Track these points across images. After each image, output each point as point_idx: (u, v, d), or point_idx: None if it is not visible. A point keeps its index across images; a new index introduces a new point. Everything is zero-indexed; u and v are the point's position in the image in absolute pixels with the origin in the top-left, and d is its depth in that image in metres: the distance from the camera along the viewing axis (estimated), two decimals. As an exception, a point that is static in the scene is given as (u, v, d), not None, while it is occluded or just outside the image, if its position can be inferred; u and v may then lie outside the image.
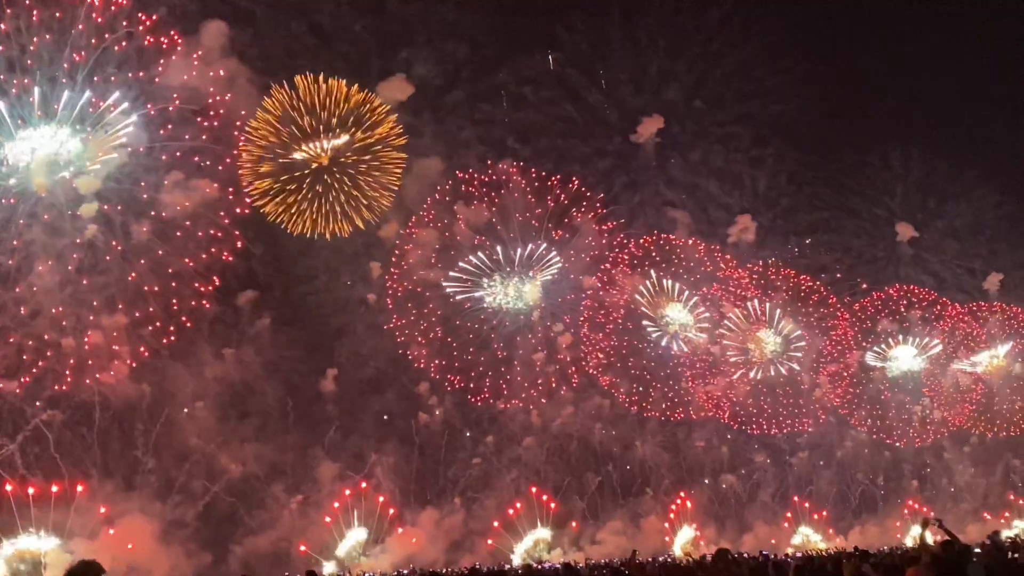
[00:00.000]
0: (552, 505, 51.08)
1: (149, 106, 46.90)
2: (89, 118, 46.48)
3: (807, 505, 55.59)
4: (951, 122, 63.21)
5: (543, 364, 54.31)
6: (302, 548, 45.24)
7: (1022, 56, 65.12)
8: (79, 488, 41.85)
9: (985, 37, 66.68)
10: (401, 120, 53.98)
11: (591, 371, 55.37)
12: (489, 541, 49.32)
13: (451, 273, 53.79)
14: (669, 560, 42.02)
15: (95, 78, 46.51)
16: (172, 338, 47.49)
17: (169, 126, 48.32)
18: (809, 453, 56.97)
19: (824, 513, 55.86)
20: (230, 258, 48.16)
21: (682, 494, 53.95)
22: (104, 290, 46.77)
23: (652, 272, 56.62)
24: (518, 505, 50.32)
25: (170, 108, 47.88)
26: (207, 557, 43.14)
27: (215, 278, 47.92)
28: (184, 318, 48.32)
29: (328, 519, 47.02)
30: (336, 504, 47.35)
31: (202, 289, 48.79)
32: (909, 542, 52.21)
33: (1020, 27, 65.68)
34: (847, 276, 60.11)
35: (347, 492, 47.69)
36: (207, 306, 48.66)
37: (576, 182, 55.71)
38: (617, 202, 57.70)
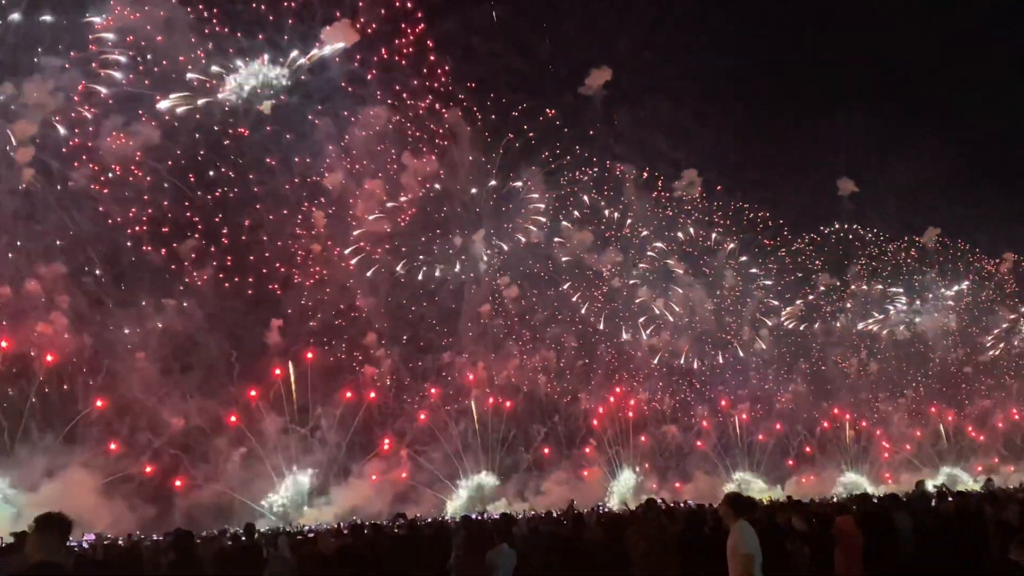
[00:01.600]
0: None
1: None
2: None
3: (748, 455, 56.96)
4: (895, 79, 64.05)
5: (490, 317, 54.62)
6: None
7: (970, 16, 65.71)
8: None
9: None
10: (346, 67, 53.55)
11: (536, 324, 55.75)
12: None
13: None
14: (606, 510, 42.64)
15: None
16: (111, 288, 47.34)
17: (106, 70, 47.40)
18: (749, 404, 58.09)
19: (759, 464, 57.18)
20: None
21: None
22: (42, 238, 45.86)
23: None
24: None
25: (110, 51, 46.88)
26: (150, 510, 42.75)
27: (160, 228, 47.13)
28: (124, 267, 47.98)
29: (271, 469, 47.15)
30: (280, 456, 47.39)
31: (143, 237, 48.24)
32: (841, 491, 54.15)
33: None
34: (788, 231, 60.57)
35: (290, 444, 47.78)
36: (149, 253, 48.20)
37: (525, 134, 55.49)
38: (565, 155, 57.44)
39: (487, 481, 51.48)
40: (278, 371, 49.06)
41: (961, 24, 65.14)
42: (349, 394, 50.16)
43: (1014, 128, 63.48)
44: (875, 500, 18.65)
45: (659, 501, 19.90)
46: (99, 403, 44.28)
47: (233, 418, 46.93)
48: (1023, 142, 63.00)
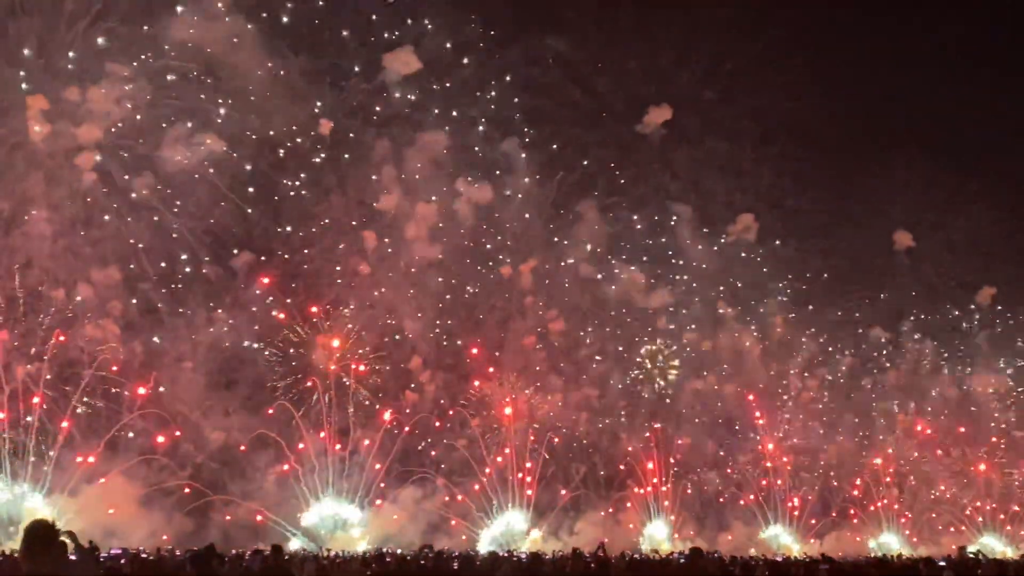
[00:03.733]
0: (530, 492, 51.21)
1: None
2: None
3: (790, 506, 55.82)
4: (955, 132, 63.07)
5: (534, 350, 54.24)
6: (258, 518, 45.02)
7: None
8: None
9: (996, 49, 66.62)
10: (406, 93, 53.94)
11: (581, 360, 55.26)
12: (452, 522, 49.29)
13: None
14: (637, 555, 42.04)
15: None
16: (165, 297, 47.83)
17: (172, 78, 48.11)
18: (794, 457, 57.07)
19: (796, 515, 56.01)
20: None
21: (663, 488, 54.02)
22: (98, 245, 46.47)
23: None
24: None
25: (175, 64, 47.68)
26: (188, 524, 42.83)
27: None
28: (179, 277, 48.48)
29: (307, 490, 47.04)
30: (316, 477, 47.33)
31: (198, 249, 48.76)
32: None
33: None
34: (842, 282, 59.53)
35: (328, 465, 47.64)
36: (203, 265, 48.70)
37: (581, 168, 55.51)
38: (620, 193, 57.17)
39: (517, 518, 50.83)
40: (320, 391, 49.08)
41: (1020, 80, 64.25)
42: (389, 417, 49.95)
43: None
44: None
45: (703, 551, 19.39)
46: (139, 407, 44.33)
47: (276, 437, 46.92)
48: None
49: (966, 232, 59.49)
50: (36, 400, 42.55)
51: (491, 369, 53.43)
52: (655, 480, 54.17)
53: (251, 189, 50.28)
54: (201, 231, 48.84)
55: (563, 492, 52.57)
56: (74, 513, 39.86)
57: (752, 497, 55.40)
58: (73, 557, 9.83)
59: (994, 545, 54.67)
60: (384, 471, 48.92)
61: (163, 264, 48.07)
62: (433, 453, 51.47)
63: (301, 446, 47.46)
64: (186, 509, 43.71)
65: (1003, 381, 60.36)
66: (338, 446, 48.41)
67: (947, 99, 62.64)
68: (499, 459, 51.38)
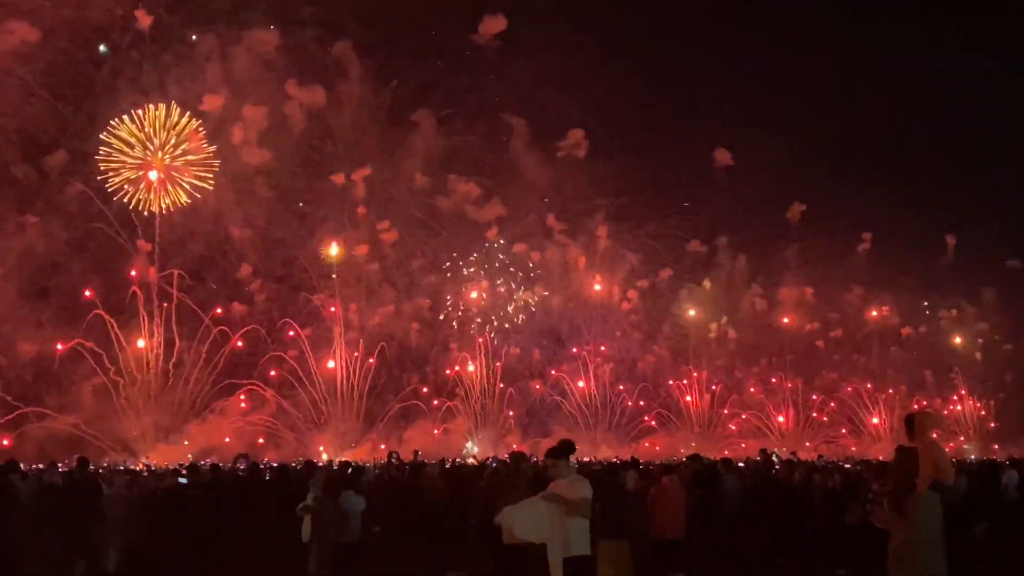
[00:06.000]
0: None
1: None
2: None
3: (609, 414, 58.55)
4: (775, 53, 65.42)
5: (366, 260, 54.20)
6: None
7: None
8: None
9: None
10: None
11: (413, 272, 55.71)
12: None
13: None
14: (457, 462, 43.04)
15: None
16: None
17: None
18: (614, 366, 59.52)
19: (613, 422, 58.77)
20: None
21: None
22: None
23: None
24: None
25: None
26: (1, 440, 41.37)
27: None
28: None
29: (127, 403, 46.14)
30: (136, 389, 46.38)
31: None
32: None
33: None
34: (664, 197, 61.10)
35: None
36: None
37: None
38: (454, 104, 56.79)
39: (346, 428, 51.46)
40: (143, 300, 47.75)
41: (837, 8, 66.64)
42: (216, 330, 49.16)
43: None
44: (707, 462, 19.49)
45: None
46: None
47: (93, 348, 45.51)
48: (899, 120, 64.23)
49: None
50: None
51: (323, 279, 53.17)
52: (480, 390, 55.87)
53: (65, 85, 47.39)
54: (11, 129, 46.01)
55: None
56: None
57: (570, 406, 57.80)
58: None
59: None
60: (210, 383, 48.35)
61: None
62: (261, 364, 51.00)
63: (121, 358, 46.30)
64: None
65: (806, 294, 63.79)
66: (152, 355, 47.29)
67: (768, 20, 64.84)
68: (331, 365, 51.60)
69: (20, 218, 45.66)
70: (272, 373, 51.11)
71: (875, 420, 63.19)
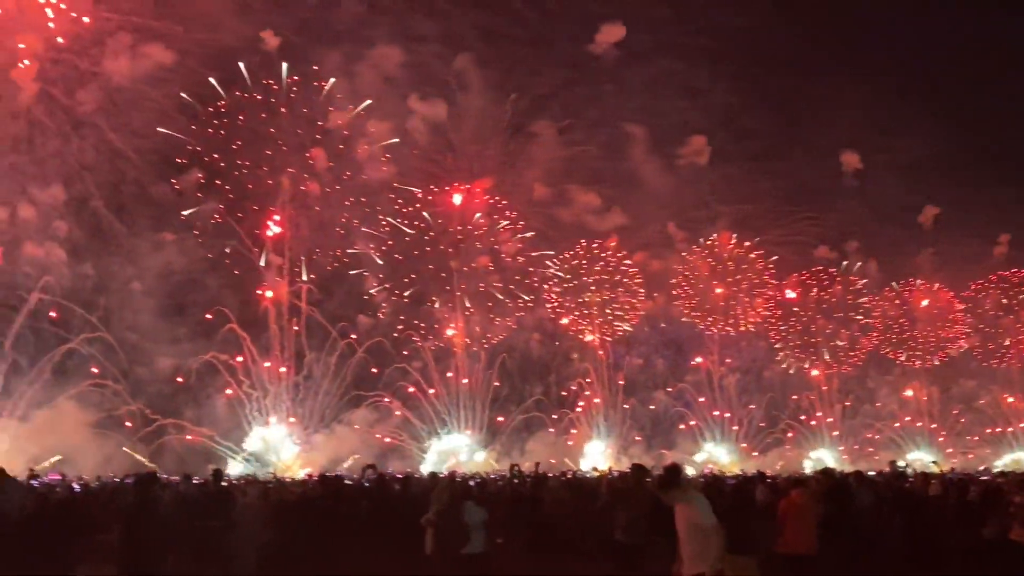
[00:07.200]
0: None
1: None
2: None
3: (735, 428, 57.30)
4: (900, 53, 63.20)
5: (488, 272, 54.55)
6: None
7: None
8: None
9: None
10: (355, 6, 52.58)
11: (536, 282, 55.71)
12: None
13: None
14: (577, 474, 42.77)
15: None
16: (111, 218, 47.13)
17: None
18: (740, 377, 58.21)
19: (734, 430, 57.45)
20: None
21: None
22: (42, 164, 45.52)
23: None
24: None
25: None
26: (142, 451, 43.20)
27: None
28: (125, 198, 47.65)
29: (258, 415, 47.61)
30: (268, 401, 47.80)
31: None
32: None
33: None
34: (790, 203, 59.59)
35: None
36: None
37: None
38: (574, 114, 56.67)
39: (461, 439, 51.83)
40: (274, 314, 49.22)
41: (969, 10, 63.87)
42: (344, 342, 50.26)
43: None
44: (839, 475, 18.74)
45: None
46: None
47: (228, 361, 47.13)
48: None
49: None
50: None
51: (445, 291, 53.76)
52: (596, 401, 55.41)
53: (198, 105, 49.28)
54: (149, 150, 48.08)
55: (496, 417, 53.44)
56: (27, 438, 40.05)
57: (695, 417, 56.77)
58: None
59: (925, 459, 56.32)
60: (338, 395, 49.45)
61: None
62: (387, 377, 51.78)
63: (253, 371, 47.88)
64: (139, 435, 43.95)
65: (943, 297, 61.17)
66: (283, 369, 48.75)
67: (896, 21, 62.68)
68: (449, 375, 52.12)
69: (156, 236, 47.57)
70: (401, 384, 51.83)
71: (1010, 429, 60.10)
